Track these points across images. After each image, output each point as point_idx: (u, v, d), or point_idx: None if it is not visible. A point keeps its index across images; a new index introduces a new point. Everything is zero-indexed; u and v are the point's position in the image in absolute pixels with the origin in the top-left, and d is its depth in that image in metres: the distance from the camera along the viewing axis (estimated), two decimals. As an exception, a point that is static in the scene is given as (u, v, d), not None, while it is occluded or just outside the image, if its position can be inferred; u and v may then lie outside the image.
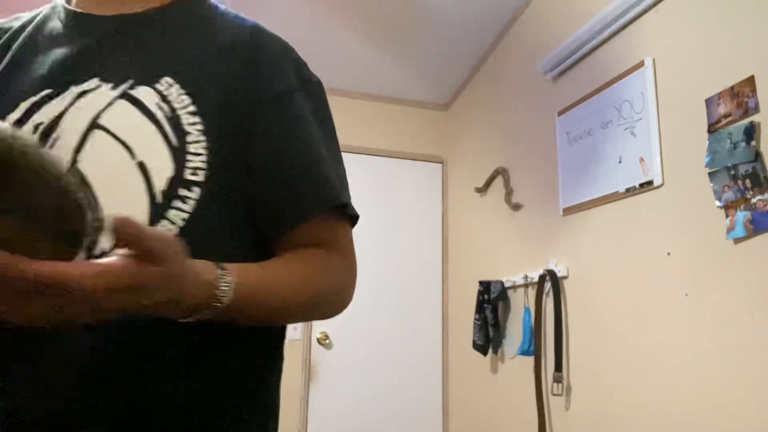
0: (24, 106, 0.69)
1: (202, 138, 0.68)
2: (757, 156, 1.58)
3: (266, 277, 0.65)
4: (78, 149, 0.66)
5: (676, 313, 1.84)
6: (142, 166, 0.65)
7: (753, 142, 1.59)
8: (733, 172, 1.64)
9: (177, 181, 0.66)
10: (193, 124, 0.68)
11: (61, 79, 0.71)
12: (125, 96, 0.69)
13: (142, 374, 0.61)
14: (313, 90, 0.79)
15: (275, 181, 0.71)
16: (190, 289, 0.54)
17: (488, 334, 2.91)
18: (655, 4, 2.04)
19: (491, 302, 2.88)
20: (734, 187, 1.64)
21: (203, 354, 0.65)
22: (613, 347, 2.09)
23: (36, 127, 0.68)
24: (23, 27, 0.79)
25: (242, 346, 0.69)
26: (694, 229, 1.80)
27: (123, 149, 0.66)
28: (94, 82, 0.70)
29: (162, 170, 0.65)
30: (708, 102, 1.76)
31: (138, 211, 0.64)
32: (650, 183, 1.98)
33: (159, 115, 0.68)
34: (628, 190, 2.09)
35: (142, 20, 0.76)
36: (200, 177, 0.67)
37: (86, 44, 0.74)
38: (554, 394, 2.38)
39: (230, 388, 0.67)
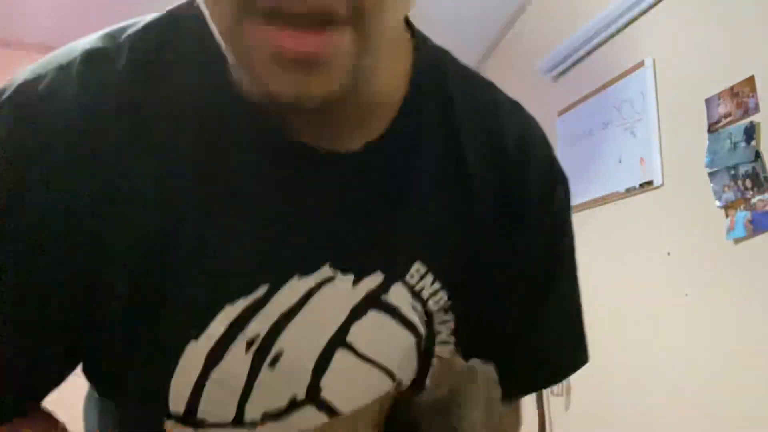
0: (232, 310, 0.45)
1: (451, 339, 0.54)
2: (757, 156, 1.58)
3: None
4: (318, 369, 0.49)
5: (676, 313, 1.84)
6: (398, 384, 0.53)
7: (753, 142, 1.59)
8: (733, 172, 1.64)
9: (419, 387, 0.54)
10: (445, 322, 0.53)
11: (281, 265, 0.47)
12: (377, 303, 0.50)
13: None
14: (570, 242, 0.60)
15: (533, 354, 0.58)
16: None
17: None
18: (655, 4, 2.04)
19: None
20: (734, 187, 1.64)
21: None
22: (613, 347, 2.09)
23: (249, 343, 0.46)
24: (166, 140, 0.44)
25: None
26: (694, 229, 1.80)
27: (379, 371, 0.51)
28: (326, 272, 0.48)
29: (409, 379, 0.53)
30: (708, 102, 1.76)
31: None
32: (650, 183, 1.98)
33: (416, 320, 0.51)
34: (628, 190, 2.09)
35: (370, 166, 0.49)
36: None
37: (305, 203, 0.47)
38: (554, 394, 2.38)
39: None
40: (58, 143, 0.41)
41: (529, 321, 0.57)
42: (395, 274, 0.50)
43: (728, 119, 1.68)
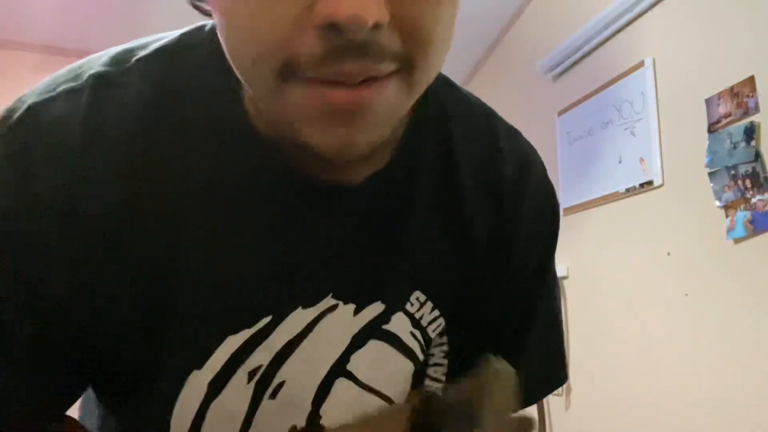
0: (234, 341, 0.45)
1: (444, 361, 0.54)
2: (757, 156, 1.58)
3: None
4: (318, 398, 0.49)
5: (676, 313, 1.84)
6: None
7: (753, 142, 1.59)
8: (733, 172, 1.64)
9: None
10: (439, 345, 0.54)
11: (283, 297, 0.47)
12: (377, 333, 0.50)
13: None
14: (554, 269, 0.63)
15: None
16: None
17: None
18: (655, 4, 2.04)
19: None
20: (734, 187, 1.64)
21: None
22: (613, 347, 2.09)
23: (251, 374, 0.46)
24: (158, 154, 0.44)
25: None
26: (694, 229, 1.80)
27: (378, 399, 0.51)
28: (328, 302, 0.48)
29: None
30: (708, 102, 1.76)
31: None
32: (650, 183, 1.98)
33: (416, 348, 0.52)
34: (628, 190, 2.09)
35: (371, 198, 0.49)
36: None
37: (308, 235, 0.47)
38: (554, 394, 2.38)
39: None
40: (64, 169, 0.41)
41: (514, 341, 0.58)
42: (396, 303, 0.50)
43: (728, 119, 1.68)
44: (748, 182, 1.60)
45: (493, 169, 0.54)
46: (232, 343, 0.45)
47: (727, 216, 1.66)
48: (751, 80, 1.63)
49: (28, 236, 0.40)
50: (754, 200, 1.58)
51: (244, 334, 0.45)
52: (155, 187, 0.43)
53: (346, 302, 0.49)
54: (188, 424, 0.46)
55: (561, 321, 0.64)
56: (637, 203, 2.05)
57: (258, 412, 0.47)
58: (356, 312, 0.49)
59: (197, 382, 0.45)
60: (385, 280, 0.50)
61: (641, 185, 2.02)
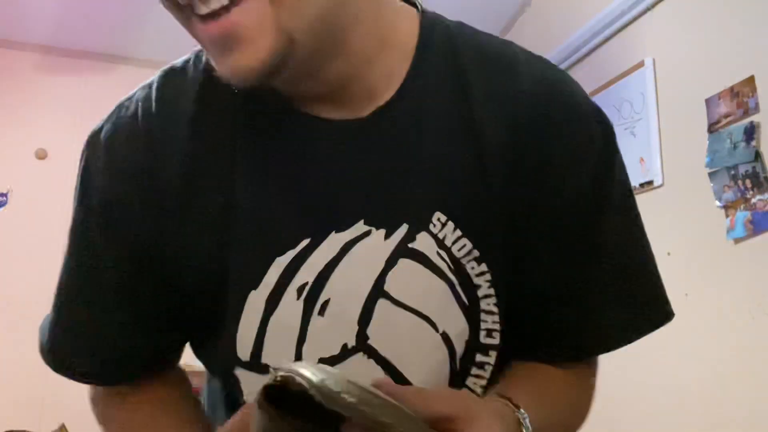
0: (282, 261, 0.52)
1: (492, 292, 0.55)
2: (757, 156, 1.58)
3: (552, 414, 0.55)
4: (363, 320, 0.53)
5: (676, 313, 1.84)
6: (445, 338, 0.54)
7: (753, 142, 1.59)
8: (733, 172, 1.64)
9: (473, 345, 0.55)
10: (481, 274, 0.54)
11: (318, 223, 0.53)
12: (405, 252, 0.53)
13: None
14: (620, 190, 0.59)
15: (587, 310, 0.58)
16: None
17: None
18: (655, 4, 2.04)
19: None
20: (734, 187, 1.64)
21: None
22: (613, 347, 2.09)
23: (300, 290, 0.53)
24: (209, 123, 0.54)
25: None
26: (694, 229, 1.80)
27: (417, 318, 0.54)
28: (360, 227, 0.53)
29: (459, 335, 0.55)
30: (708, 102, 1.76)
31: (440, 384, 0.55)
32: (650, 183, 1.98)
33: (443, 266, 0.54)
34: (628, 190, 2.09)
35: (381, 129, 0.54)
36: (495, 340, 0.55)
37: (335, 168, 0.54)
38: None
39: None
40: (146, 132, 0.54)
41: (573, 278, 0.57)
42: (419, 224, 0.54)
43: (728, 119, 1.68)
44: (748, 182, 1.60)
45: (508, 85, 0.54)
46: (280, 263, 0.52)
47: (727, 216, 1.66)
48: (751, 80, 1.63)
49: (121, 194, 0.53)
50: (754, 200, 1.58)
51: (289, 255, 0.53)
52: (215, 144, 0.54)
53: (377, 228, 0.53)
54: (251, 341, 0.53)
55: (643, 253, 0.60)
56: (637, 203, 2.05)
57: (309, 328, 0.53)
58: (387, 236, 0.54)
59: (255, 301, 0.53)
60: (407, 203, 0.54)
61: (641, 185, 2.02)
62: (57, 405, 2.62)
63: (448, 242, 0.54)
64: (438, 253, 0.53)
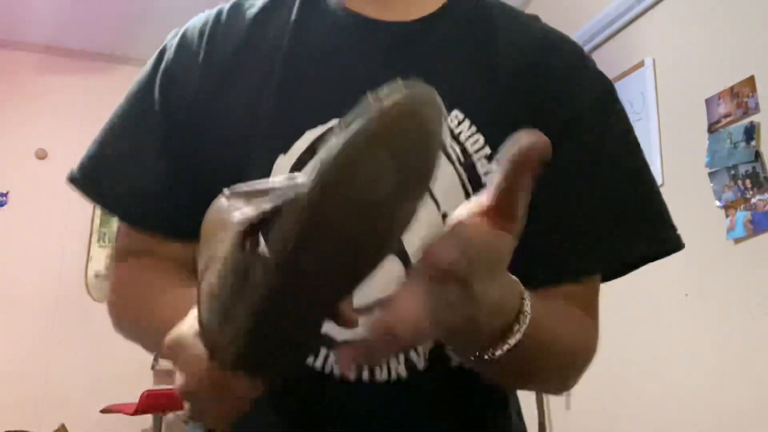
0: (310, 135, 0.58)
1: None
2: (757, 156, 1.58)
3: (549, 317, 0.53)
4: None
5: (676, 313, 1.84)
6: (445, 218, 0.57)
7: (753, 142, 1.59)
8: (733, 172, 1.64)
9: None
10: (489, 173, 0.59)
11: (347, 103, 0.56)
12: None
13: None
14: (615, 108, 0.68)
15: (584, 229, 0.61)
16: (504, 296, 0.44)
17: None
18: (655, 4, 2.04)
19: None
20: (734, 187, 1.64)
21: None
22: (614, 347, 2.09)
23: None
24: (268, 18, 0.65)
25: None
26: (694, 229, 1.79)
27: (435, 207, 0.57)
28: None
29: None
30: (708, 102, 1.76)
31: None
32: (650, 183, 1.98)
33: (453, 157, 0.59)
34: (628, 190, 2.09)
35: (424, 34, 0.64)
36: None
37: (370, 62, 0.61)
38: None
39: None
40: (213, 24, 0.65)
41: (575, 192, 0.61)
42: None
43: (728, 119, 1.68)
44: (748, 182, 1.60)
45: (527, 26, 0.67)
46: (309, 135, 0.58)
47: (727, 216, 1.66)
48: (751, 80, 1.63)
49: (181, 63, 0.63)
50: (754, 200, 1.58)
51: (318, 130, 0.58)
52: (263, 35, 0.63)
53: None
54: None
55: (650, 183, 0.68)
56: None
57: None
58: None
59: (282, 166, 0.57)
60: None
61: (641, 185, 2.02)
62: (57, 405, 2.64)
63: (462, 138, 0.60)
64: (452, 147, 0.60)
